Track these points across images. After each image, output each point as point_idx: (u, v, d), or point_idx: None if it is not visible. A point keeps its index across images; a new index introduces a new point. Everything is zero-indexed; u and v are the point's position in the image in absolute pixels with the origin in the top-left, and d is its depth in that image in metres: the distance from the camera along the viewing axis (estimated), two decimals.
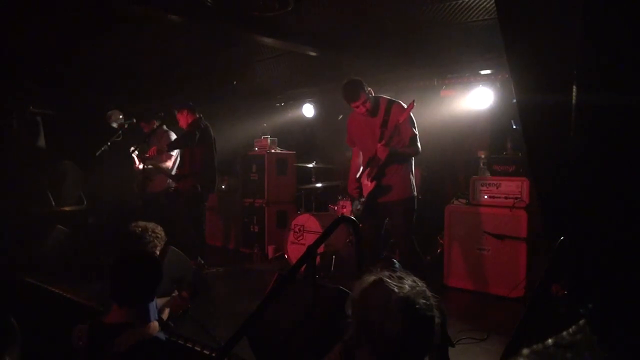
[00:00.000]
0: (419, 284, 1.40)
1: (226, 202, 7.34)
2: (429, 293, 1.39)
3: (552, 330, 0.79)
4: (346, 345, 1.43)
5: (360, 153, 4.23)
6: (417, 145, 3.96)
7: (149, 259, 2.19)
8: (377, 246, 4.16)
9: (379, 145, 3.82)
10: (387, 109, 3.91)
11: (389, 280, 1.37)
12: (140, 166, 5.48)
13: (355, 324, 1.37)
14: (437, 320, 1.35)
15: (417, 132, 3.97)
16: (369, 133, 4.01)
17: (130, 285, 2.06)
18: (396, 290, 1.34)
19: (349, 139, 4.32)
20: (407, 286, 1.36)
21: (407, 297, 1.33)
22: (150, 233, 2.87)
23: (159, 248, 2.92)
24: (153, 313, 2.70)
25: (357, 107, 3.92)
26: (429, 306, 1.34)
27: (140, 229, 2.88)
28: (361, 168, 4.12)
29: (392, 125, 3.83)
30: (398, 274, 1.41)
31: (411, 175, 4.04)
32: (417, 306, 1.32)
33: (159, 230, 2.94)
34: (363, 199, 4.09)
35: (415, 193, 4.09)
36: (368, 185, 4.00)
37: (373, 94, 3.98)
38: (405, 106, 3.85)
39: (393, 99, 4.06)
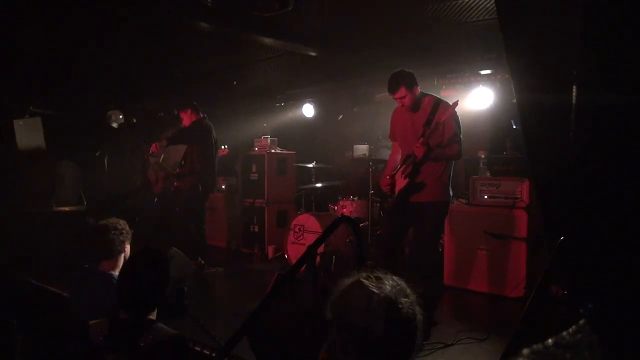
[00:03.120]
0: (399, 282, 1.39)
1: (226, 202, 7.35)
2: (409, 291, 1.38)
3: (552, 330, 0.79)
4: (330, 351, 1.42)
5: (400, 150, 4.05)
6: (457, 147, 3.75)
7: (149, 268, 2.12)
8: (397, 245, 4.04)
9: (416, 142, 3.66)
10: (433, 108, 3.75)
11: (367, 282, 1.35)
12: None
13: (339, 329, 1.36)
14: (419, 317, 1.35)
15: (460, 135, 3.78)
16: (411, 129, 3.85)
17: (137, 301, 2.06)
18: (377, 291, 1.32)
19: (391, 133, 4.16)
20: (387, 286, 1.34)
21: (389, 298, 1.31)
22: (113, 230, 2.80)
23: (127, 243, 2.87)
24: None
25: (397, 100, 3.78)
26: (411, 304, 1.34)
27: (104, 226, 2.83)
28: (398, 165, 3.94)
29: (435, 124, 3.68)
30: (376, 274, 1.40)
31: (448, 180, 3.84)
32: (399, 305, 1.31)
33: (123, 224, 2.88)
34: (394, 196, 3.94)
35: (450, 199, 3.91)
36: (401, 182, 3.85)
37: (418, 91, 3.81)
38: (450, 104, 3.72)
39: (441, 98, 3.91)
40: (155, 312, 2.11)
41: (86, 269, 2.93)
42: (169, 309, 3.46)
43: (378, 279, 1.37)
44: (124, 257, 2.84)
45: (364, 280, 1.36)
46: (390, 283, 1.36)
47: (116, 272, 2.74)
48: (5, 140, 6.34)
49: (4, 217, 5.53)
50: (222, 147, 6.35)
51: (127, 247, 2.87)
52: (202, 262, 5.57)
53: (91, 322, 2.08)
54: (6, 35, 4.80)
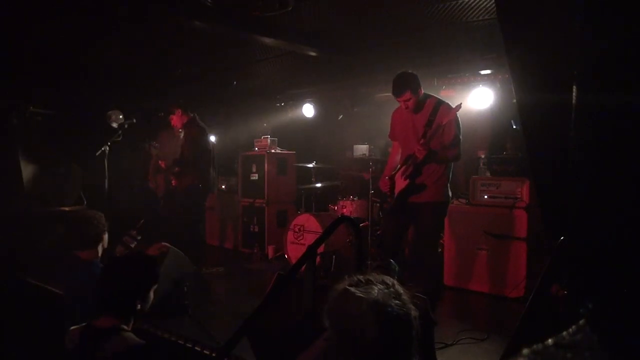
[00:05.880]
0: (389, 283, 1.39)
1: (226, 202, 7.35)
2: (400, 290, 1.38)
3: (552, 330, 0.79)
4: (329, 351, 1.43)
5: (400, 150, 4.07)
6: (457, 149, 3.78)
7: (132, 263, 2.12)
8: (397, 245, 4.04)
9: (418, 144, 3.68)
10: (434, 109, 3.77)
11: (354, 289, 1.36)
12: None
13: (336, 333, 1.37)
14: (413, 313, 1.35)
15: (461, 137, 3.80)
16: (411, 130, 3.87)
17: (109, 292, 2.02)
18: (364, 296, 1.33)
19: (391, 133, 4.17)
20: (375, 291, 1.35)
21: (377, 302, 1.32)
22: (93, 222, 2.95)
23: (105, 234, 3.01)
24: None
25: (401, 102, 3.80)
26: (401, 304, 1.34)
27: (84, 218, 3.00)
28: (398, 166, 3.95)
29: (436, 126, 3.70)
30: (367, 277, 1.40)
31: (447, 180, 3.87)
32: (389, 308, 1.31)
33: (99, 216, 3.04)
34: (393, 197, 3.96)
35: (449, 200, 3.94)
36: (401, 183, 3.86)
37: (422, 93, 3.83)
38: (453, 107, 3.73)
39: (442, 99, 3.93)
40: (131, 322, 2.04)
41: (70, 259, 2.98)
42: (169, 309, 3.46)
43: (368, 283, 1.38)
44: (102, 247, 2.99)
45: (350, 288, 1.37)
46: (379, 287, 1.37)
47: (97, 260, 2.91)
48: (6, 140, 6.34)
49: (4, 217, 5.53)
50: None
51: (105, 237, 3.01)
52: (202, 262, 5.56)
53: (71, 328, 2.04)
54: (6, 35, 4.80)
